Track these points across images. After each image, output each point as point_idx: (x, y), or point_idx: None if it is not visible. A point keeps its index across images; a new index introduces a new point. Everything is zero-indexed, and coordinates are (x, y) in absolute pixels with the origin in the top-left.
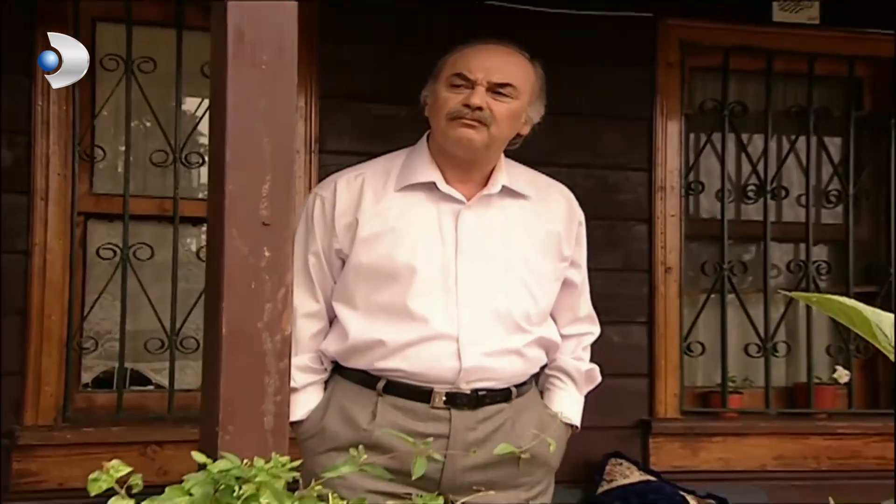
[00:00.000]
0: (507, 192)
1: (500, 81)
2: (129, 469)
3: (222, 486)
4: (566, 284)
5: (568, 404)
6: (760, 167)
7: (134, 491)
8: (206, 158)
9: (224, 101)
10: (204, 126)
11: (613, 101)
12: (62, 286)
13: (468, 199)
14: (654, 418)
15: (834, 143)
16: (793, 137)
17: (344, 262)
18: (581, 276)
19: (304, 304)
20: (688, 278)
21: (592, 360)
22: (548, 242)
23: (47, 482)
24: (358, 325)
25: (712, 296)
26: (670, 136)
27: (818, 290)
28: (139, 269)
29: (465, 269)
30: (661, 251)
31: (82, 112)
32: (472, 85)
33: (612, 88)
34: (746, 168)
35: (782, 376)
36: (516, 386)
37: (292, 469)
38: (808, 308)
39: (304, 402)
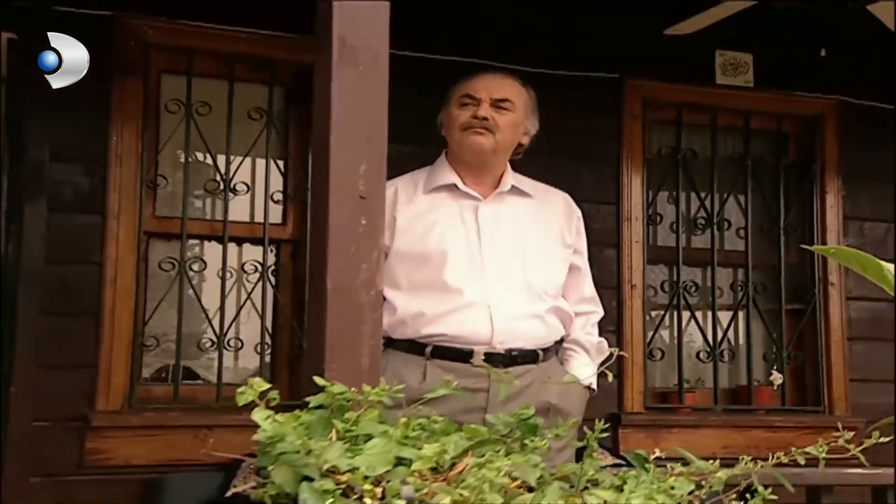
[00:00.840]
0: (515, 191)
1: (500, 97)
2: (268, 385)
3: (336, 406)
4: (572, 269)
5: (584, 370)
6: (707, 203)
7: (272, 404)
8: (250, 187)
9: (329, 96)
10: (248, 160)
11: (588, 145)
12: (130, 293)
13: (484, 198)
14: (622, 412)
15: (767, 185)
16: (733, 180)
17: (387, 255)
18: (583, 262)
19: None
20: (649, 295)
21: None
22: (551, 232)
23: (115, 459)
24: (403, 301)
25: (670, 310)
26: (634, 176)
27: (756, 307)
28: (193, 280)
29: (489, 251)
30: (627, 271)
31: (149, 147)
32: (477, 102)
33: (587, 135)
34: (696, 204)
35: (727, 378)
36: (542, 350)
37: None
38: (748, 321)
39: None
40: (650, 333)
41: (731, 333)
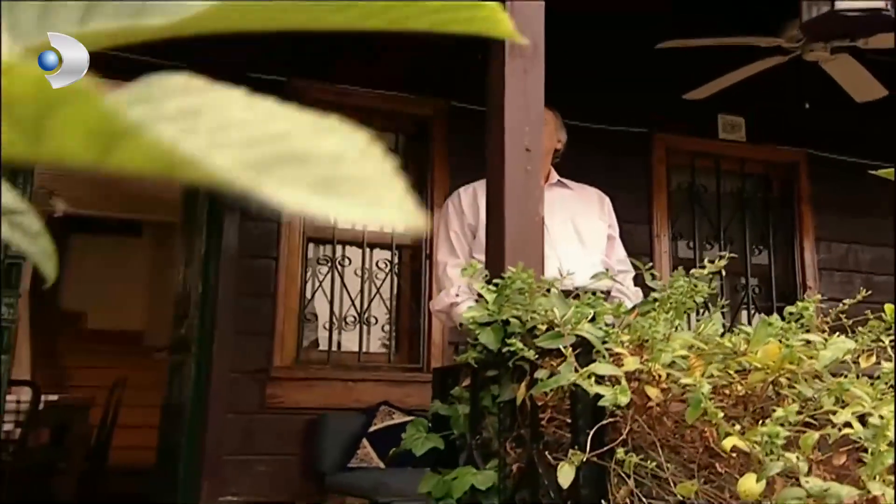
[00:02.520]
0: (559, 184)
1: None
2: (480, 266)
3: (517, 290)
4: (609, 238)
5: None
6: (715, 226)
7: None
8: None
9: (503, 79)
10: None
11: (626, 180)
12: (296, 281)
13: None
14: None
15: (759, 214)
16: (734, 209)
17: (474, 234)
18: (616, 234)
19: (452, 260)
20: None
21: None
22: (590, 211)
23: (287, 402)
24: None
25: None
26: (661, 205)
27: (755, 306)
28: (341, 273)
29: (550, 222)
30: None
31: None
32: None
33: (625, 172)
34: (706, 226)
35: None
36: (600, 291)
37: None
38: (749, 315)
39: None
40: None
41: (735, 325)
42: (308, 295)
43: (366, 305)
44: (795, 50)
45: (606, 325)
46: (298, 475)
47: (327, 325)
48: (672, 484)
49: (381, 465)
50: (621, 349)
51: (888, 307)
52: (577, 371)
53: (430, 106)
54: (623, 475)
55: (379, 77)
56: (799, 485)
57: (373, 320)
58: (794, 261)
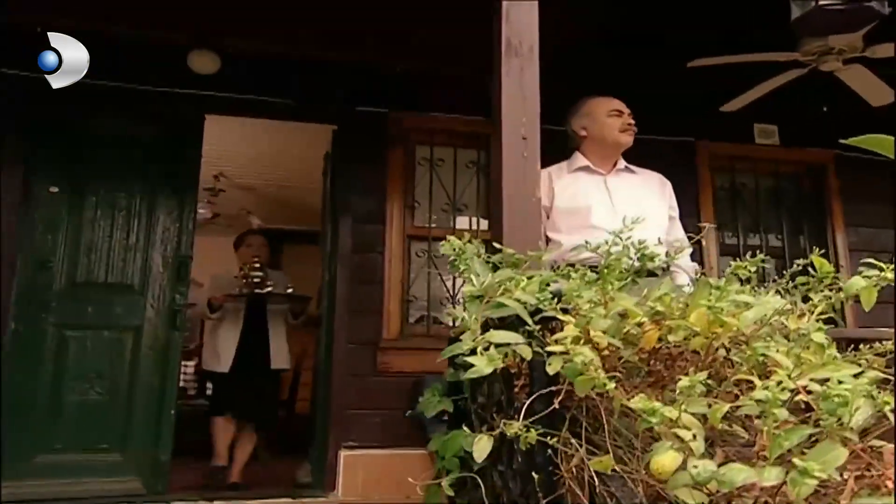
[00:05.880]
0: (626, 170)
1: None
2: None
3: (511, 262)
4: (670, 219)
5: (687, 283)
6: (755, 217)
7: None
8: (467, 207)
9: (500, 76)
10: (466, 192)
11: (677, 180)
12: (399, 270)
13: (606, 174)
14: None
15: (793, 207)
16: (770, 203)
17: (547, 214)
18: (676, 214)
19: None
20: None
21: None
22: (653, 194)
23: (393, 367)
24: (566, 239)
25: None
26: (706, 200)
27: (795, 286)
28: (436, 264)
29: (618, 203)
30: (707, 259)
31: (409, 185)
32: (621, 114)
33: (677, 174)
34: (747, 218)
35: None
36: (661, 268)
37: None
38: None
39: None
40: None
41: None
42: (409, 281)
43: (457, 289)
44: (811, 62)
45: (550, 293)
46: (404, 425)
47: (425, 306)
48: (624, 454)
49: None
50: (564, 317)
51: (815, 259)
52: (474, 341)
53: None
54: (577, 445)
55: (459, 105)
56: (749, 463)
57: (463, 299)
58: (828, 244)
